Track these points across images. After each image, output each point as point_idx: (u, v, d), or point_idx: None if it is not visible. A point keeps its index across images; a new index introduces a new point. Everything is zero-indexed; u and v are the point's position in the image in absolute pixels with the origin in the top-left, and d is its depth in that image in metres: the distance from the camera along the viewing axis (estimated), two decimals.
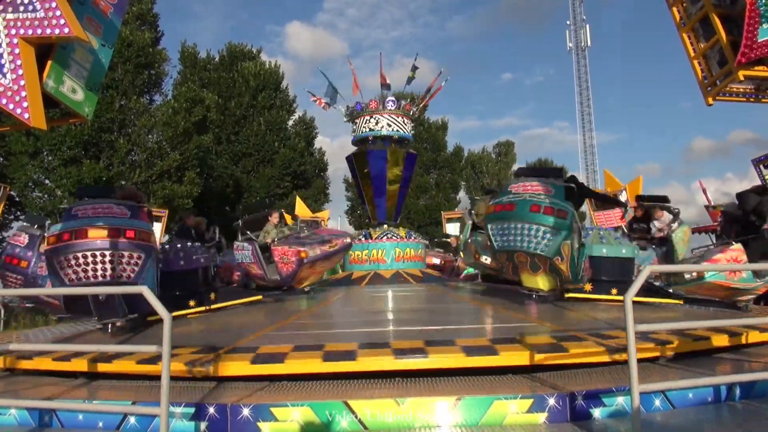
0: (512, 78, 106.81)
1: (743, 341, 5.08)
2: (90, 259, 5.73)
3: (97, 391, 4.55)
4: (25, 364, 5.20)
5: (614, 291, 7.23)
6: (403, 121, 14.30)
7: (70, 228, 5.80)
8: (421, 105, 16.32)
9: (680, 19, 5.30)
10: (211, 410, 3.75)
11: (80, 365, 4.80)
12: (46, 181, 20.98)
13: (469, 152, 42.31)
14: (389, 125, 14.08)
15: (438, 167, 38.42)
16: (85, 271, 5.72)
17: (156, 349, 3.41)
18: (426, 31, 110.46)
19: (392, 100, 14.26)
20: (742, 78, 4.80)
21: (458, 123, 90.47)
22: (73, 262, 5.71)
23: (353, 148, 14.97)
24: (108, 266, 5.76)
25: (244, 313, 7.68)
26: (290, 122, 32.16)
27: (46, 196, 20.97)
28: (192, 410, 3.77)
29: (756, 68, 4.78)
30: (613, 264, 7.41)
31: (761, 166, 12.93)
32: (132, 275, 5.90)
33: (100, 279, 5.75)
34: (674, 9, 5.33)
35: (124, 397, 4.17)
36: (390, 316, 7.48)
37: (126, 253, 5.87)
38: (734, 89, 5.12)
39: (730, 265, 6.88)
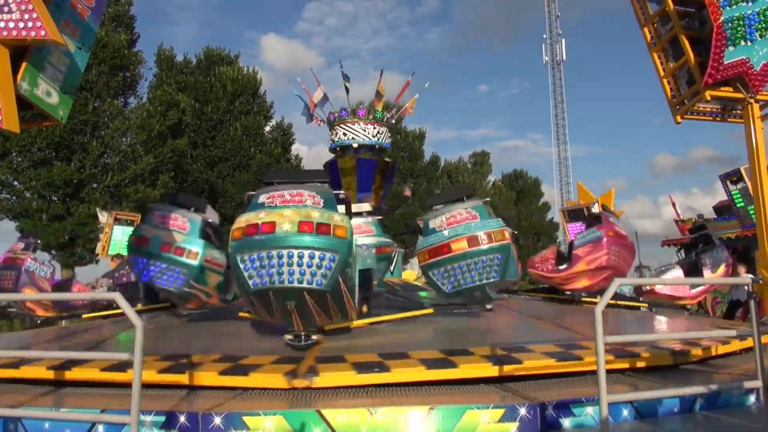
0: (488, 90, 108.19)
1: (711, 353, 5.22)
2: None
3: (65, 399, 4.46)
4: None
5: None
6: (376, 130, 14.36)
7: None
8: (398, 113, 16.42)
9: (651, 40, 5.46)
10: (182, 418, 3.71)
11: (47, 372, 4.71)
12: (15, 183, 20.51)
13: (445, 162, 42.68)
14: (359, 134, 14.18)
15: (415, 176, 38.61)
16: None
17: (128, 356, 3.37)
18: (404, 42, 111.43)
19: (344, 110, 14.38)
20: (708, 98, 4.96)
21: (435, 133, 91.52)
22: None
23: (329, 156, 15.06)
24: None
25: None
26: (267, 128, 32.00)
27: (14, 197, 20.50)
28: (163, 418, 3.72)
29: (722, 89, 4.94)
30: None
31: (728, 182, 13.32)
32: None
33: None
34: (645, 29, 5.48)
35: (92, 405, 4.09)
36: None
37: None
38: (701, 108, 5.29)
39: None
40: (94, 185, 21.13)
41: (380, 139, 14.67)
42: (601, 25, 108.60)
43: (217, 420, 3.66)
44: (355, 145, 14.27)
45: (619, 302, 9.05)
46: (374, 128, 14.40)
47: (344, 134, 14.22)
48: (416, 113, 16.12)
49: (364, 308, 6.51)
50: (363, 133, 14.24)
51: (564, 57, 63.70)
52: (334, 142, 14.49)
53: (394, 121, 15.86)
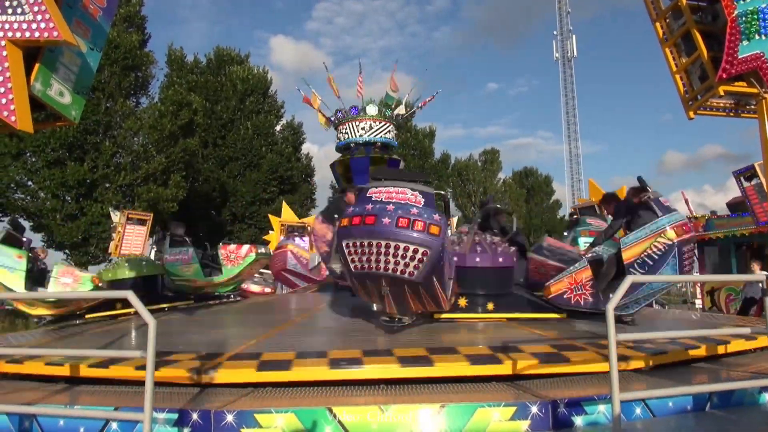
0: (497, 88, 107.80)
1: (721, 351, 5.17)
2: None
3: (79, 396, 4.50)
4: (6, 368, 5.13)
5: (490, 306, 6.68)
6: (386, 127, 14.36)
7: None
8: (408, 113, 16.43)
9: (663, 35, 5.41)
10: (195, 416, 3.73)
11: (62, 370, 4.75)
12: (29, 183, 20.73)
13: (455, 160, 42.56)
14: (371, 131, 14.15)
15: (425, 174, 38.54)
16: None
17: (140, 354, 3.40)
18: (413, 41, 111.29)
19: (355, 108, 14.39)
20: (722, 93, 4.90)
21: (444, 131, 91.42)
22: None
23: (338, 156, 15.03)
24: None
25: None
26: (278, 127, 32.06)
27: (28, 197, 20.72)
28: (175, 416, 3.75)
29: (736, 84, 4.88)
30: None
31: (742, 178, 13.19)
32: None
33: None
34: (657, 25, 5.43)
35: (106, 403, 4.13)
36: None
37: None
38: (714, 104, 5.22)
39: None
40: (107, 185, 21.29)
41: (391, 137, 14.71)
42: (612, 21, 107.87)
43: (229, 417, 3.68)
44: (377, 143, 14.29)
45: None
46: (385, 126, 14.41)
47: (360, 131, 14.20)
48: (426, 111, 16.23)
49: (462, 302, 6.75)
50: (377, 130, 14.24)
51: (575, 53, 63.30)
52: (345, 139, 14.42)
53: (399, 117, 15.86)
